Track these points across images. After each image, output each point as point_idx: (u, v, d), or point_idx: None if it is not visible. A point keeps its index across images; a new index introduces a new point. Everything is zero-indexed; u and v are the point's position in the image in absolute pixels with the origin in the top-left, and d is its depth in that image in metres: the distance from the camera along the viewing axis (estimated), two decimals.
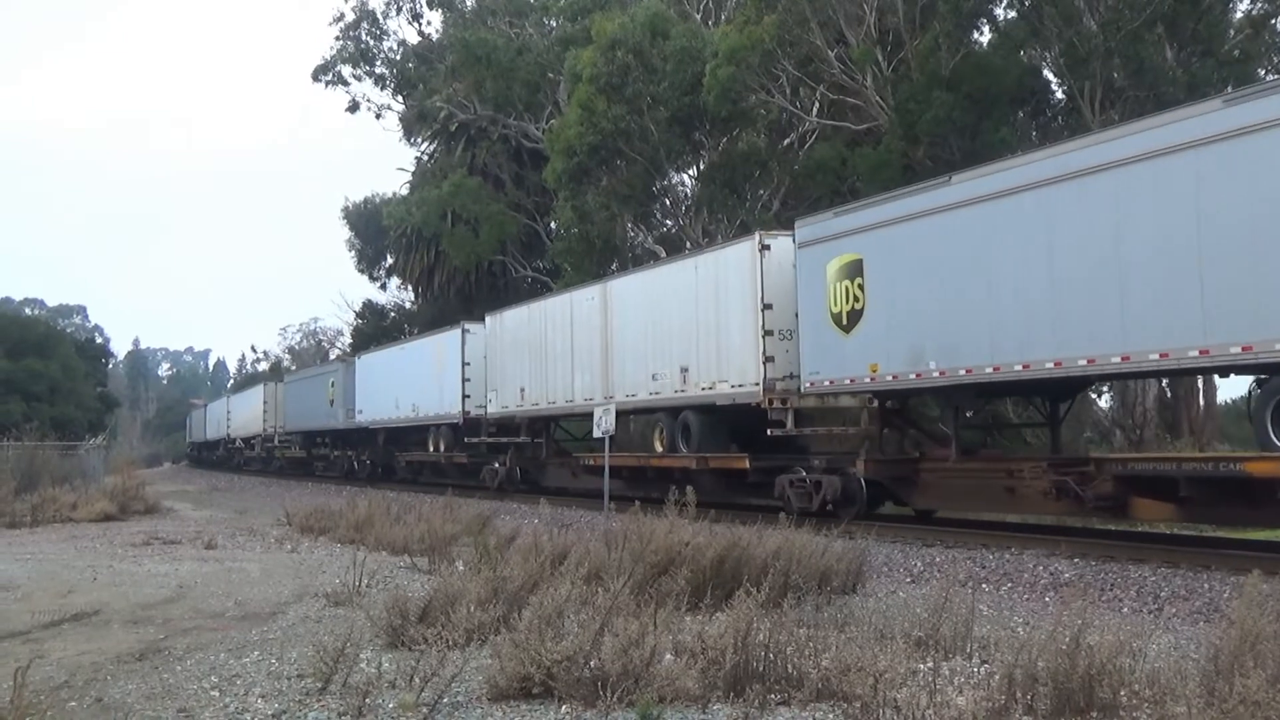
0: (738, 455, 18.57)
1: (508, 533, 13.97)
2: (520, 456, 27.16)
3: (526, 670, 6.30)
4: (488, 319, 28.35)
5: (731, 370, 18.29)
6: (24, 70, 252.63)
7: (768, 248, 17.62)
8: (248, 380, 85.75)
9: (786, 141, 30.84)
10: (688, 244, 31.32)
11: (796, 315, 17.16)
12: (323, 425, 42.75)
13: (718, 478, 19.13)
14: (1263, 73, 24.30)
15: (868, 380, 15.75)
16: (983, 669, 6.71)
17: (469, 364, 28.85)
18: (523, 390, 25.73)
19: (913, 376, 14.92)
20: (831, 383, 16.46)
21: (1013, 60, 25.34)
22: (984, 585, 11.25)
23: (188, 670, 7.40)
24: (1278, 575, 9.25)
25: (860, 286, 15.65)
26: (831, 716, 5.87)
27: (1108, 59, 22.75)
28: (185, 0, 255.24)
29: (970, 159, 18.39)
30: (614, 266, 32.65)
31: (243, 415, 57.62)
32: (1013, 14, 26.27)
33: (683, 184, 34.94)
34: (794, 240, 17.23)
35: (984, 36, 27.41)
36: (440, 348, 31.02)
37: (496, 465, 27.46)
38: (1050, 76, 26.65)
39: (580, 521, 17.62)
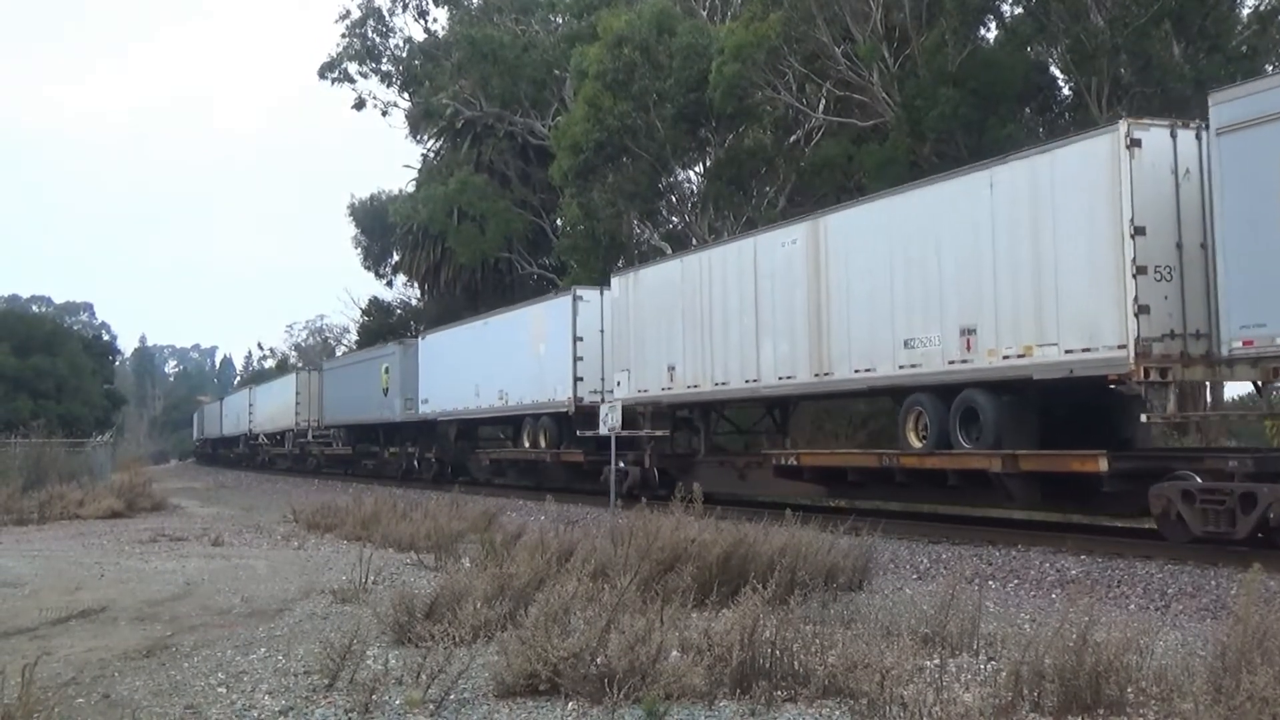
0: (1084, 454, 12.81)
1: (514, 530, 13.98)
2: (660, 454, 21.45)
3: (533, 667, 6.30)
4: (615, 281, 22.87)
5: (1065, 328, 12.96)
6: (28, 69, 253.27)
7: (1137, 143, 12.25)
8: (255, 377, 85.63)
9: (792, 138, 30.80)
10: (694, 240, 31.27)
11: (1179, 245, 12.25)
12: (374, 418, 37.18)
13: (1033, 484, 13.76)
14: (1270, 68, 24.20)
15: None
16: (989, 666, 6.70)
17: (582, 339, 23.56)
18: (672, 369, 20.32)
19: None
20: None
21: (1019, 57, 25.32)
22: (990, 582, 11.24)
23: (195, 667, 7.42)
24: None
25: None
26: (838, 713, 5.87)
27: (1115, 55, 22.70)
28: None
29: (976, 155, 18.31)
30: (619, 263, 32.60)
31: (269, 408, 52.64)
32: (1019, 10, 26.24)
33: (689, 181, 34.99)
34: (1172, 133, 12.45)
35: (990, 33, 27.46)
36: (540, 321, 25.57)
37: (623, 465, 21.23)
38: (1057, 73, 26.65)
39: (586, 518, 17.63)
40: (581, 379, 23.56)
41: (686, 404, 20.39)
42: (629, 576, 7.92)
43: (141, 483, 26.77)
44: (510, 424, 28.19)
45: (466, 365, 29.41)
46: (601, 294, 23.70)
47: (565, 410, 23.89)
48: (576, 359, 23.61)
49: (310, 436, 45.34)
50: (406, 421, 34.34)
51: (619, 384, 22.23)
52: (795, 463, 17.45)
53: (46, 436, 30.88)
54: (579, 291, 24.18)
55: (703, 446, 20.60)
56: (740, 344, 18.48)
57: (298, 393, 46.40)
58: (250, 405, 57.03)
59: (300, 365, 58.74)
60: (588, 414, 22.94)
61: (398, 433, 36.17)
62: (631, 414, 21.37)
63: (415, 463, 34.41)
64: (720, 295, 19.09)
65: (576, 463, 23.82)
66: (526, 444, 26.15)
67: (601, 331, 23.32)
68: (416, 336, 35.10)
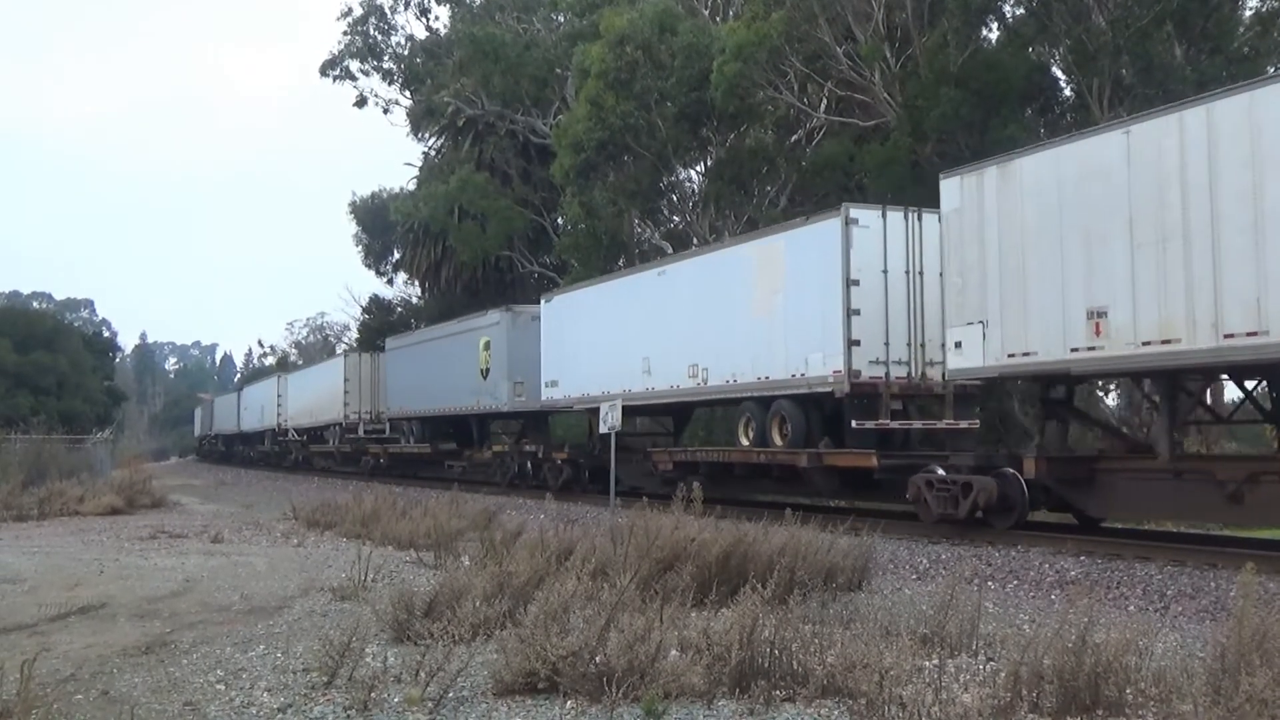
0: None
1: (513, 528, 13.99)
2: (1052, 459, 13.65)
3: (532, 665, 6.31)
4: (951, 184, 14.66)
5: None
6: (26, 66, 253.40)
7: None
8: (255, 374, 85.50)
9: (794, 138, 30.82)
10: (695, 241, 31.33)
11: None
12: (466, 407, 29.05)
13: None
14: (1272, 70, 24.20)
15: None
16: (988, 666, 6.71)
17: (857, 283, 16.22)
18: (1099, 317, 12.50)
19: None
20: None
21: (1021, 57, 25.31)
22: (990, 583, 11.24)
23: (194, 664, 7.42)
24: None
25: None
26: (836, 713, 5.87)
27: (1116, 56, 22.70)
28: None
29: (978, 156, 18.26)
30: (620, 263, 32.63)
31: (306, 399, 44.73)
32: (1021, 11, 26.24)
33: (690, 180, 35.01)
34: None
35: (992, 33, 27.45)
36: (775, 261, 18.06)
37: (942, 472, 14.66)
38: (1059, 73, 26.63)
39: (586, 517, 17.62)
40: (858, 343, 16.22)
41: (1140, 372, 13.34)
42: (628, 575, 7.92)
43: (141, 480, 26.79)
44: (688, 412, 22.23)
45: (627, 333, 22.05)
46: (884, 216, 16.46)
47: (828, 390, 16.61)
48: (850, 313, 16.21)
49: (362, 432, 38.48)
50: (518, 411, 27.26)
51: (958, 345, 14.58)
52: None
53: (46, 433, 30.98)
54: (853, 212, 16.40)
55: (1165, 443, 12.75)
56: None
57: (346, 379, 38.89)
58: (280, 396, 48.87)
59: (296, 363, 53.54)
60: (868, 396, 16.41)
61: (501, 426, 29.61)
62: (864, 396, 16.09)
63: (530, 465, 26.50)
64: (1236, 183, 11.13)
65: (862, 469, 16.24)
66: (745, 440, 18.75)
67: (884, 271, 16.34)
68: (537, 300, 27.28)
